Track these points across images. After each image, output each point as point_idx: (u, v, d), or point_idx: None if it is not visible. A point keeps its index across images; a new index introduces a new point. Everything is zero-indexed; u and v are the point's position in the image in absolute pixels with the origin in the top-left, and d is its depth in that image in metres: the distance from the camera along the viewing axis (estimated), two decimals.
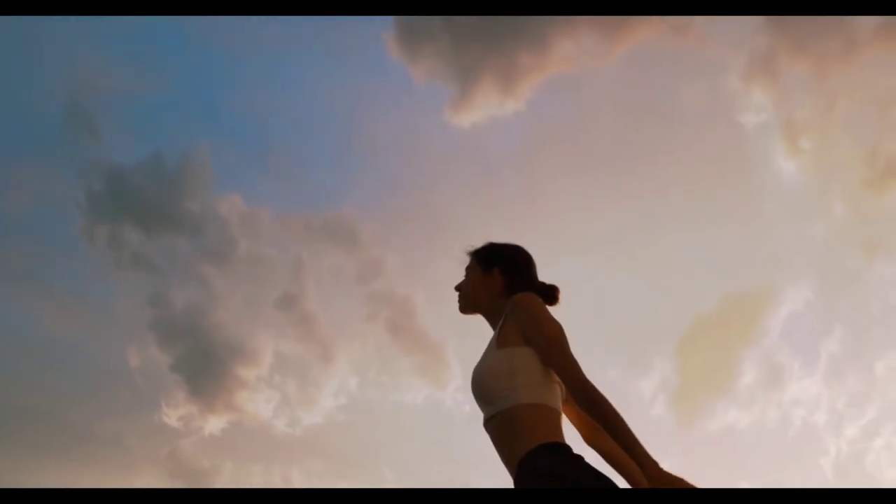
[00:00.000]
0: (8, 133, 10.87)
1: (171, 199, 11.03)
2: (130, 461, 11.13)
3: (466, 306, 2.23)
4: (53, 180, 11.86)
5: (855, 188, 10.14)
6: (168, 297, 11.26)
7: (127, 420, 11.49)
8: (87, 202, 11.17)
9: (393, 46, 10.57)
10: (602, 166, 11.32)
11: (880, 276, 10.31)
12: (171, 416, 10.64)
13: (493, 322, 2.16)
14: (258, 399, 10.90)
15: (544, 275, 2.23)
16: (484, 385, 1.98)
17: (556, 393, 1.98)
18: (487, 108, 10.49)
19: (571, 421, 2.13)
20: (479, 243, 2.28)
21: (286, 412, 10.99)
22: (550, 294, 2.17)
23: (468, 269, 2.27)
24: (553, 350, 1.92)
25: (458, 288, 2.26)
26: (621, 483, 1.98)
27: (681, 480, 1.73)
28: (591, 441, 2.10)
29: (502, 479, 1.93)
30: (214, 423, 10.71)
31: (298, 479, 10.73)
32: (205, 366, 10.80)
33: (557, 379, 1.96)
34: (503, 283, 2.17)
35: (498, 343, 2.00)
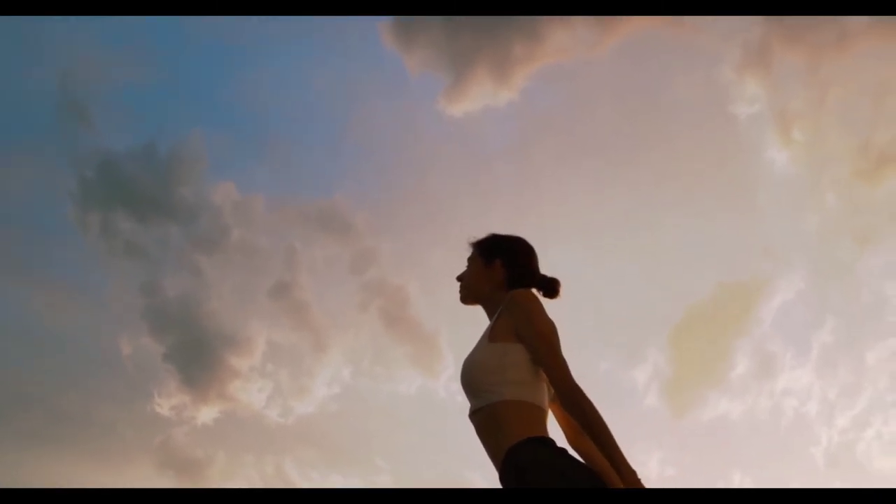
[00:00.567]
0: (0, 120, 10.80)
1: (164, 187, 10.99)
2: (122, 451, 11.14)
3: (467, 297, 2.23)
4: (46, 168, 11.81)
5: (847, 179, 10.18)
6: (161, 285, 11.24)
7: (119, 409, 11.48)
8: (79, 190, 11.14)
9: (387, 36, 10.54)
10: (595, 156, 11.33)
11: (872, 267, 10.35)
12: (164, 405, 10.65)
13: (490, 313, 2.16)
14: (251, 388, 10.90)
15: None
16: (472, 378, 1.99)
17: (544, 392, 1.99)
18: (481, 97, 10.48)
19: (558, 421, 2.14)
20: (481, 234, 2.28)
21: (279, 402, 11.00)
22: (551, 287, 2.17)
23: (470, 259, 2.27)
24: (544, 349, 1.93)
25: (459, 278, 2.27)
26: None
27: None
28: (574, 443, 2.11)
29: (495, 470, 1.93)
30: (207, 413, 10.72)
31: (291, 469, 10.76)
32: (197, 355, 10.79)
33: (546, 378, 1.97)
34: (504, 274, 2.17)
35: (490, 337, 2.01)
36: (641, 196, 11.04)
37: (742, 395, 10.58)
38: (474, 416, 1.99)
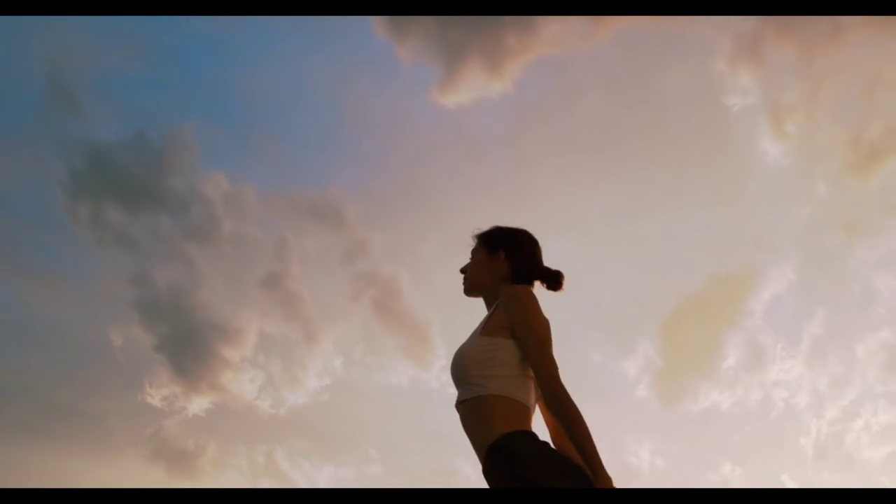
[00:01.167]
0: None
1: (156, 178, 10.92)
2: (113, 441, 11.12)
3: (471, 289, 2.23)
4: (36, 158, 11.71)
5: (839, 171, 10.22)
6: (151, 276, 11.18)
7: (110, 400, 11.45)
8: (69, 180, 11.05)
9: (379, 26, 10.46)
10: (588, 148, 11.32)
11: (863, 259, 10.41)
12: (155, 395, 10.60)
13: (490, 306, 2.16)
14: (242, 379, 10.87)
15: None
16: (460, 369, 2.00)
17: (531, 389, 1.99)
18: (474, 88, 10.44)
19: (544, 419, 2.14)
20: (485, 226, 2.28)
21: (270, 392, 10.97)
22: (555, 279, 2.17)
23: (474, 251, 2.27)
24: (535, 348, 1.93)
25: (463, 270, 2.27)
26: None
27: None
28: (556, 443, 2.11)
29: None
30: (198, 403, 10.68)
31: (283, 460, 10.76)
32: (188, 346, 10.76)
33: (534, 376, 1.97)
34: (508, 266, 2.17)
35: (484, 330, 2.02)
36: (634, 187, 11.06)
37: (732, 386, 10.64)
38: (460, 405, 2.00)
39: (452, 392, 2.04)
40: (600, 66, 11.06)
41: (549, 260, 2.23)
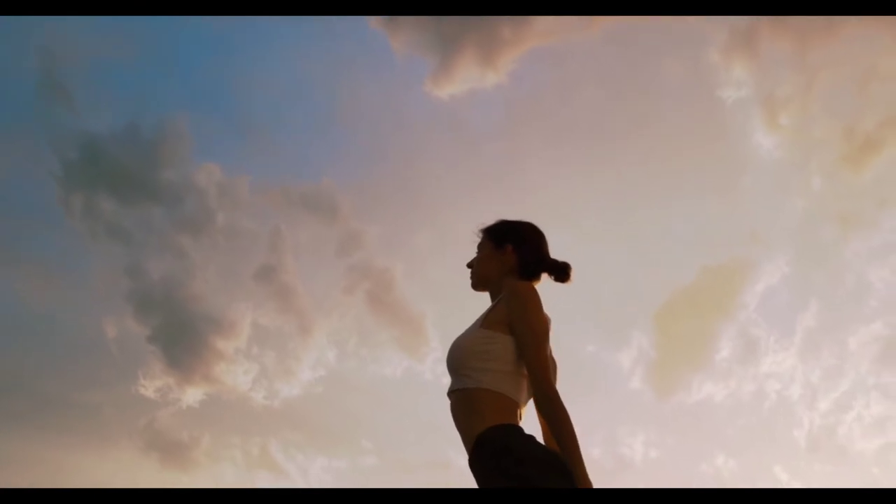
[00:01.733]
0: None
1: (149, 169, 10.88)
2: (107, 433, 11.11)
3: (478, 283, 2.22)
4: (28, 149, 11.63)
5: (833, 164, 10.24)
6: (145, 267, 11.15)
7: (104, 391, 11.43)
8: (62, 172, 10.99)
9: (373, 18, 10.43)
10: (582, 139, 11.32)
11: (856, 252, 10.45)
12: (149, 387, 10.60)
13: (495, 300, 2.15)
14: (236, 371, 10.87)
15: None
16: (455, 359, 2.00)
17: (523, 387, 1.99)
18: (468, 80, 10.42)
19: (538, 418, 2.14)
20: (489, 221, 2.27)
21: (264, 384, 10.98)
22: (563, 271, 2.17)
23: (480, 246, 2.26)
24: (531, 346, 1.93)
25: (470, 265, 2.26)
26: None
27: None
28: (548, 442, 2.10)
29: None
30: (192, 395, 10.68)
31: (277, 452, 10.77)
32: (182, 337, 10.74)
33: (527, 373, 1.97)
34: (516, 259, 2.16)
35: (483, 323, 2.02)
36: (628, 179, 11.07)
37: (726, 379, 10.68)
38: (452, 394, 2.01)
39: (446, 384, 2.04)
40: (595, 58, 11.06)
41: None
